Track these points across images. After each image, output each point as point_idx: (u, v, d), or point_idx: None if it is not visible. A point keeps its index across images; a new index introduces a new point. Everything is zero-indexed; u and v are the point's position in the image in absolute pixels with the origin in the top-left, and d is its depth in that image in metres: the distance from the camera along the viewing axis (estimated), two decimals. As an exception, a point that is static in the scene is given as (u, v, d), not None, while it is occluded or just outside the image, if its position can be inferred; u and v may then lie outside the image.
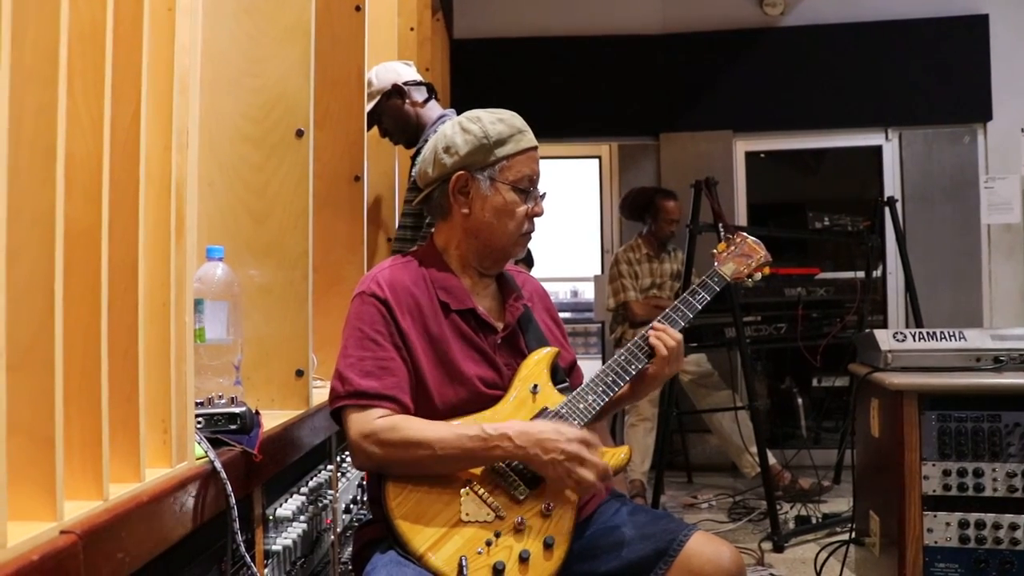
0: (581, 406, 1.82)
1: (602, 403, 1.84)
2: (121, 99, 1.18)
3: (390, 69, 3.28)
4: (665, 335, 1.89)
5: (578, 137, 6.45)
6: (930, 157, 5.96)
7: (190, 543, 1.30)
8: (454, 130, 1.88)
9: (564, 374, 1.96)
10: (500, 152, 1.84)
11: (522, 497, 1.73)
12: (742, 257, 2.13)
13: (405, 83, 3.25)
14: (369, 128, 3.19)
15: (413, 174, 3.11)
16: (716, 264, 2.11)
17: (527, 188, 1.87)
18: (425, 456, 1.68)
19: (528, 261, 5.27)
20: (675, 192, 5.45)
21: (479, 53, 6.11)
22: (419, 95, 3.26)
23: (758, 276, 2.15)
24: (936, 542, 2.55)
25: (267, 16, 2.03)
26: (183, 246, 1.33)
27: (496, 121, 1.86)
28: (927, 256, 5.67)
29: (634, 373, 1.88)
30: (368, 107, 3.14)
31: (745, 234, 2.19)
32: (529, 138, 1.89)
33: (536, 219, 1.91)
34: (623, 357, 1.89)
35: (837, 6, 6.04)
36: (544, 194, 1.92)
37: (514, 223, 1.87)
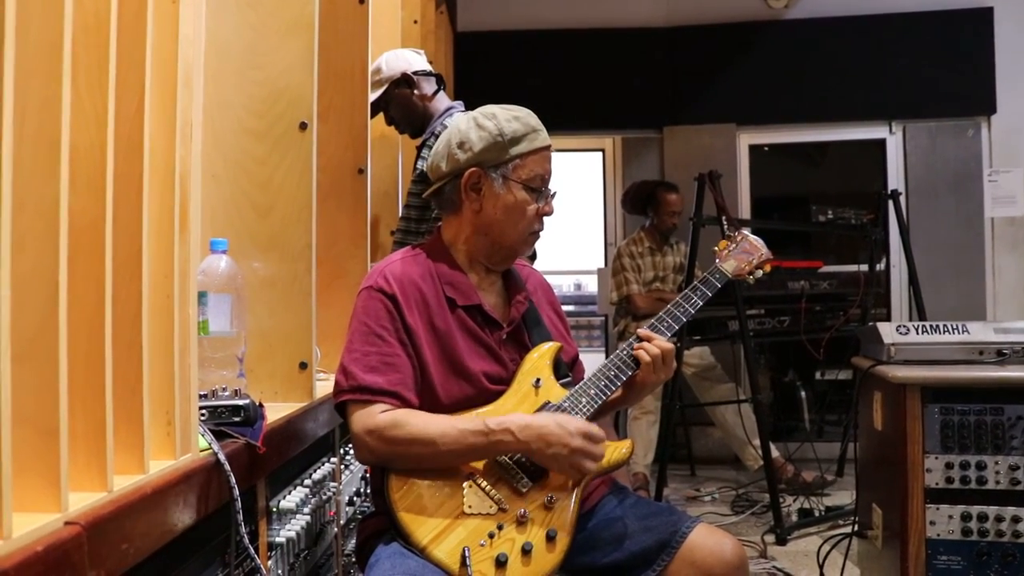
0: (583, 400, 1.82)
1: (604, 397, 1.84)
2: (125, 92, 1.18)
3: (401, 57, 3.25)
4: (649, 344, 1.88)
5: (582, 130, 6.44)
6: (934, 150, 5.94)
7: (194, 535, 1.31)
8: (468, 125, 1.86)
9: (567, 368, 1.96)
10: (514, 151, 1.83)
11: (525, 489, 1.73)
12: (743, 254, 2.14)
13: (415, 72, 3.22)
14: (375, 115, 3.18)
15: (419, 166, 3.10)
16: (717, 261, 2.12)
17: (539, 188, 1.87)
18: (428, 451, 1.69)
19: (531, 254, 5.25)
20: (676, 184, 5.46)
21: (482, 46, 6.10)
22: (428, 86, 3.23)
23: (759, 273, 2.15)
24: (938, 535, 2.55)
25: (271, 9, 2.03)
26: (187, 238, 1.33)
27: (512, 119, 1.85)
28: (930, 249, 5.66)
29: (624, 379, 1.88)
30: (376, 94, 3.14)
31: (746, 232, 2.19)
32: (543, 137, 1.88)
33: (545, 218, 1.91)
34: (622, 355, 1.89)
35: (841, -1, 6.04)
36: (555, 193, 1.92)
37: (524, 222, 1.87)
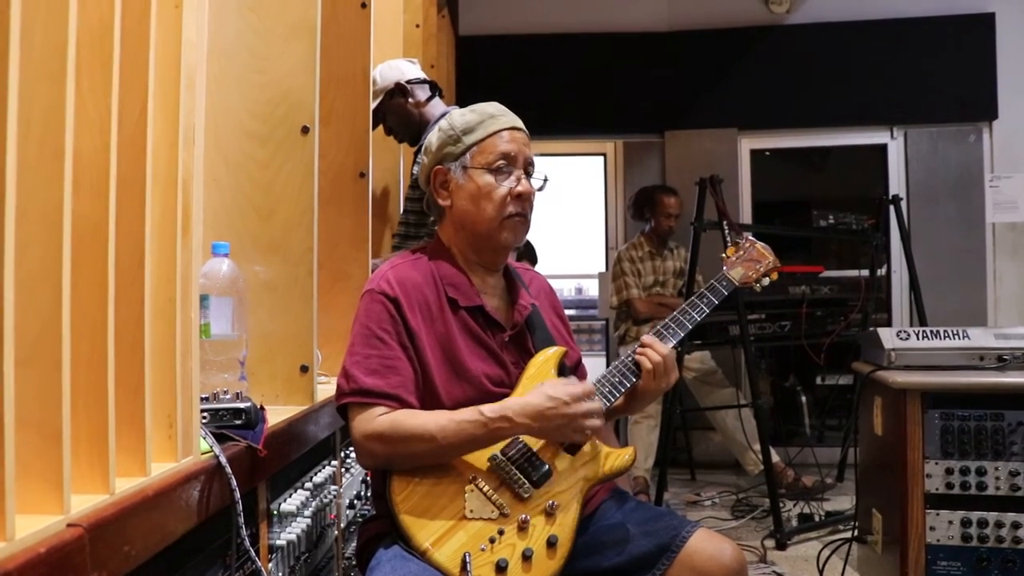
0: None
1: (608, 404, 1.85)
2: (128, 96, 1.19)
3: (394, 68, 3.30)
4: (651, 351, 1.88)
5: (583, 134, 6.45)
6: (935, 155, 5.95)
7: (195, 537, 1.31)
8: (432, 132, 1.93)
9: (570, 373, 1.96)
10: (469, 139, 1.85)
11: (527, 495, 1.73)
12: (751, 262, 2.14)
13: (408, 81, 3.26)
14: (374, 127, 3.21)
15: (414, 172, 3.14)
16: (725, 268, 2.12)
17: (503, 168, 1.84)
18: (428, 448, 1.69)
19: (532, 258, 5.26)
20: (675, 188, 5.47)
21: (485, 50, 6.10)
22: (422, 93, 3.27)
23: (766, 281, 2.15)
24: (938, 540, 2.55)
25: (273, 13, 2.03)
26: (189, 242, 1.34)
27: (466, 113, 1.89)
28: (931, 255, 5.66)
29: (628, 387, 1.88)
30: (372, 106, 3.16)
31: (754, 239, 2.19)
32: (503, 120, 1.87)
33: (527, 200, 1.86)
34: (617, 370, 1.89)
35: (843, 4, 6.03)
36: (532, 173, 1.88)
37: (492, 205, 1.84)
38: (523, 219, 1.88)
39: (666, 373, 1.88)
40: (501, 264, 1.97)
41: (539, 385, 1.77)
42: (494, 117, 1.87)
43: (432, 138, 1.90)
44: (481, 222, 1.86)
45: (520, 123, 1.91)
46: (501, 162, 1.84)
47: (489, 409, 1.71)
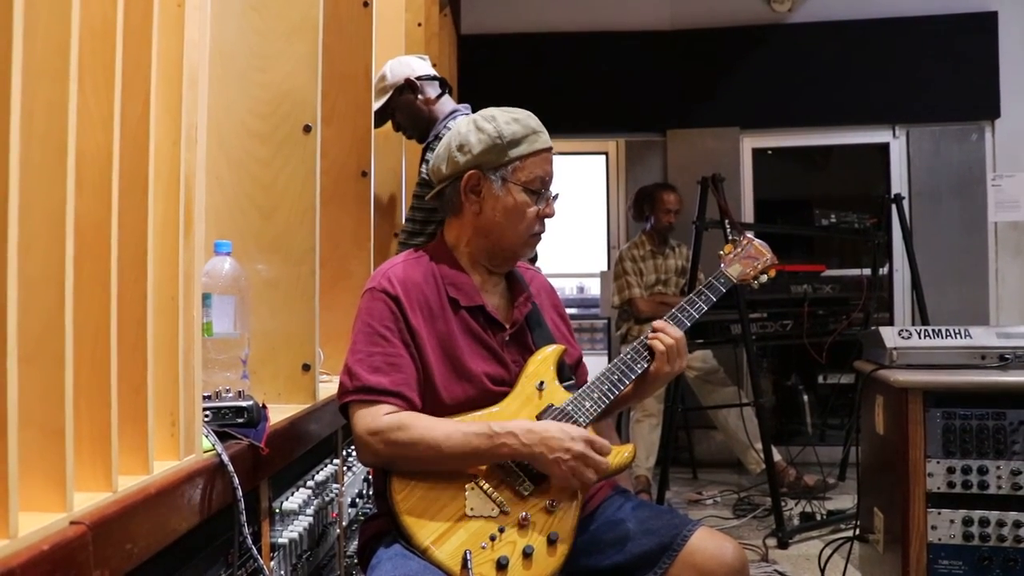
0: (587, 404, 1.83)
1: (607, 401, 1.84)
2: (131, 95, 1.19)
3: (404, 64, 3.30)
4: (663, 334, 1.89)
5: (585, 133, 6.44)
6: (938, 154, 5.94)
7: (197, 535, 1.31)
8: (468, 128, 1.87)
9: (570, 371, 1.96)
10: (514, 152, 1.84)
11: (527, 493, 1.74)
12: (748, 259, 2.14)
13: (418, 78, 3.26)
14: (383, 123, 3.21)
15: (423, 170, 3.13)
16: (722, 266, 2.12)
17: (539, 189, 1.87)
18: (431, 454, 1.69)
19: (532, 256, 5.24)
20: (675, 186, 5.47)
21: (486, 49, 6.10)
22: (432, 90, 3.27)
23: (764, 278, 2.16)
24: (940, 539, 2.55)
25: (275, 12, 2.04)
26: (191, 241, 1.34)
27: (511, 121, 1.86)
28: (934, 254, 5.65)
29: (639, 371, 1.89)
30: (381, 101, 3.17)
31: (751, 236, 2.19)
32: (544, 139, 1.88)
33: (547, 220, 1.91)
34: (628, 357, 1.90)
35: (844, 3, 6.02)
36: (556, 195, 1.92)
37: (524, 224, 1.87)
38: (541, 237, 1.92)
39: (679, 356, 1.90)
40: (508, 269, 1.98)
41: (558, 417, 1.79)
42: (537, 134, 1.87)
43: (471, 138, 1.85)
44: (509, 237, 1.88)
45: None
46: (539, 184, 1.86)
47: (498, 425, 1.72)
